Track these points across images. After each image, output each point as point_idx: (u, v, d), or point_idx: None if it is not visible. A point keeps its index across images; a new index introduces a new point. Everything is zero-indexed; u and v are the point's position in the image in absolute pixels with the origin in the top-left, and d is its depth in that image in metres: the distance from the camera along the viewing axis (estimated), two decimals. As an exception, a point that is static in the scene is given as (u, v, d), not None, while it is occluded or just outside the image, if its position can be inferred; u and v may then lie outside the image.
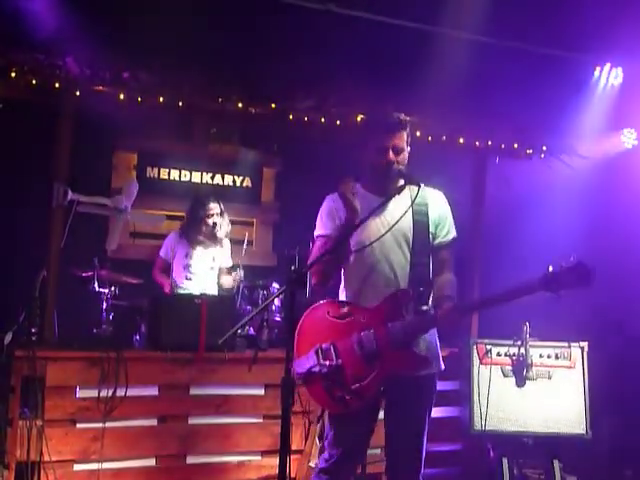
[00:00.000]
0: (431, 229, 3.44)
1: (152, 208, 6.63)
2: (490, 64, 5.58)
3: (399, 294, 3.31)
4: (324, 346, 3.29)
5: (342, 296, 3.49)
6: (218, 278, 6.04)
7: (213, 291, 5.90)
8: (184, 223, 6.13)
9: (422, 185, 3.42)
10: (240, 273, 5.88)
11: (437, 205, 3.50)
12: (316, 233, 3.50)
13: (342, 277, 3.52)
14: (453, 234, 3.51)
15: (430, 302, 3.38)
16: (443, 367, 3.45)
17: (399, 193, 3.39)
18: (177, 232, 6.10)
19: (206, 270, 5.95)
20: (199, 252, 5.95)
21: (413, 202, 3.40)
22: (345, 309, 3.36)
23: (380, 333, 3.25)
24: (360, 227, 3.28)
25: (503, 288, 3.18)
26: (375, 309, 3.32)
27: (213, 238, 5.96)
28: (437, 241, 3.46)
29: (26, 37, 4.75)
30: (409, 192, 3.43)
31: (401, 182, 3.39)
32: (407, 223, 3.40)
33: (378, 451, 4.81)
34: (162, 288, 5.86)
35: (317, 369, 3.23)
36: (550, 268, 3.08)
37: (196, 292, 5.62)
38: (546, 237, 6.08)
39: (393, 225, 3.34)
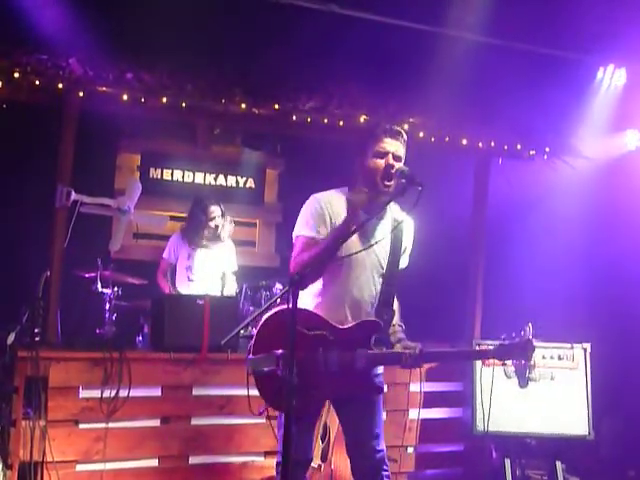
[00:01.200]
0: (400, 257, 3.52)
1: (155, 209, 6.64)
2: (493, 65, 5.57)
3: (370, 324, 3.38)
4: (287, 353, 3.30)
5: (307, 301, 3.44)
6: (222, 281, 6.03)
7: (216, 293, 5.90)
8: (185, 225, 6.13)
9: (397, 205, 3.48)
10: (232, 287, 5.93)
11: (409, 234, 3.57)
12: (300, 233, 3.43)
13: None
14: (407, 262, 3.62)
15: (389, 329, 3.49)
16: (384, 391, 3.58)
17: (384, 212, 3.43)
18: (179, 233, 6.11)
19: (209, 272, 5.94)
20: (201, 254, 5.95)
21: (392, 225, 3.45)
22: (314, 321, 3.36)
23: (346, 356, 3.31)
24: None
25: (463, 348, 3.79)
26: (345, 331, 3.35)
27: (216, 239, 5.97)
28: (400, 267, 3.55)
29: (29, 38, 4.76)
30: (391, 214, 3.48)
31: (387, 198, 3.37)
32: (385, 248, 3.46)
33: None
34: (163, 291, 5.87)
35: (278, 373, 3.19)
36: (505, 340, 3.56)
37: (200, 293, 5.62)
38: (550, 239, 6.08)
39: (372, 245, 3.37)
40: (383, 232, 3.44)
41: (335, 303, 3.40)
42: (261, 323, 3.40)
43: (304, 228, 3.42)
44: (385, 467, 3.48)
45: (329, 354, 3.30)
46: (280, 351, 3.22)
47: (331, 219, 3.39)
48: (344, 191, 3.50)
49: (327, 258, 3.27)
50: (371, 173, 3.38)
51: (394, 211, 3.50)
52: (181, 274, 5.96)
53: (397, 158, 3.38)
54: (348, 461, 4.54)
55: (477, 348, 3.66)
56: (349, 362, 3.30)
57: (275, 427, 3.49)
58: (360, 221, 3.31)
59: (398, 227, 3.46)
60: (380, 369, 3.51)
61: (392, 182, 3.35)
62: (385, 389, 3.59)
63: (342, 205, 3.42)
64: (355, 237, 3.32)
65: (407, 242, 3.55)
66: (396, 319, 3.54)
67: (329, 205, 3.41)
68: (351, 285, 3.39)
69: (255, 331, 3.41)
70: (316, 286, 3.45)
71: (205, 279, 5.91)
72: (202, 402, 4.84)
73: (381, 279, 3.45)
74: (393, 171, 3.34)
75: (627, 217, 6.28)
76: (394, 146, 3.39)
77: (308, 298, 3.45)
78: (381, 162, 3.36)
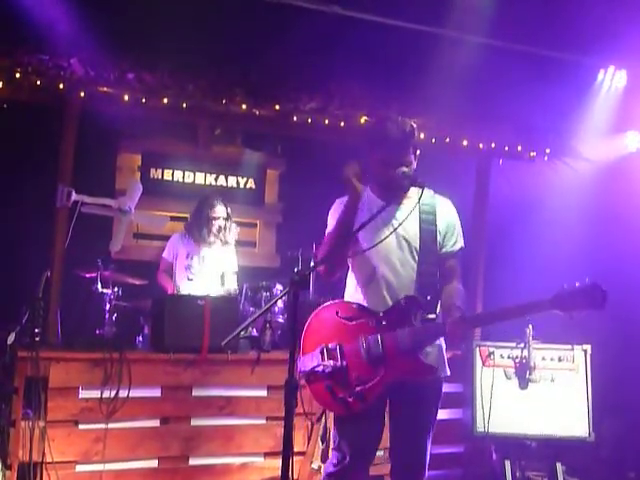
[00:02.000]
0: (439, 238, 3.41)
1: (156, 209, 6.64)
2: (494, 66, 5.57)
3: (408, 301, 3.28)
4: (330, 346, 3.28)
5: (347, 296, 3.48)
6: (222, 280, 6.04)
7: (215, 292, 5.90)
8: (189, 222, 6.13)
9: (429, 190, 3.42)
10: (232, 286, 5.93)
11: (445, 214, 3.47)
12: (327, 232, 3.49)
13: (348, 278, 3.51)
14: (460, 244, 3.49)
15: (437, 311, 3.35)
16: (449, 373, 3.44)
17: (404, 198, 3.40)
18: (180, 233, 6.11)
19: (209, 272, 5.94)
20: (203, 253, 5.94)
21: (419, 207, 3.38)
22: (354, 311, 3.34)
23: (388, 338, 3.23)
24: (365, 229, 3.24)
25: (514, 303, 3.15)
26: (384, 314, 3.29)
27: (221, 240, 5.95)
28: (444, 250, 3.43)
29: (31, 37, 4.77)
30: (416, 197, 3.38)
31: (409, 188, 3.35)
32: (413, 229, 3.38)
33: (381, 452, 4.83)
34: (165, 291, 5.87)
35: (321, 368, 3.22)
36: (565, 286, 3.06)
37: (198, 293, 5.62)
38: (551, 240, 6.08)
39: (396, 228, 3.32)
40: (404, 215, 3.36)
41: (373, 292, 3.35)
42: (305, 328, 3.38)
43: (328, 227, 3.49)
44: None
45: (372, 340, 3.24)
46: (322, 346, 3.26)
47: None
48: (366, 190, 3.48)
49: (341, 239, 3.29)
50: (381, 180, 3.39)
51: (425, 195, 3.39)
52: (180, 273, 5.95)
53: (405, 164, 3.33)
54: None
55: (529, 301, 3.11)
56: (392, 343, 3.22)
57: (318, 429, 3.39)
58: (376, 208, 3.29)
59: (427, 209, 3.39)
60: (433, 358, 3.34)
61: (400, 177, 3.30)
62: (448, 372, 3.43)
63: (365, 200, 3.42)
64: (377, 225, 3.30)
65: (444, 222, 3.43)
66: (454, 300, 3.32)
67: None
68: (385, 272, 3.34)
69: (302, 333, 3.38)
70: (351, 282, 3.46)
71: (204, 279, 5.91)
72: (202, 403, 4.84)
73: (417, 261, 3.36)
74: (397, 175, 3.30)
75: (628, 218, 6.28)
76: (400, 155, 3.34)
77: (348, 293, 3.48)
78: (385, 172, 3.33)
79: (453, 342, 3.26)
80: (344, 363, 3.24)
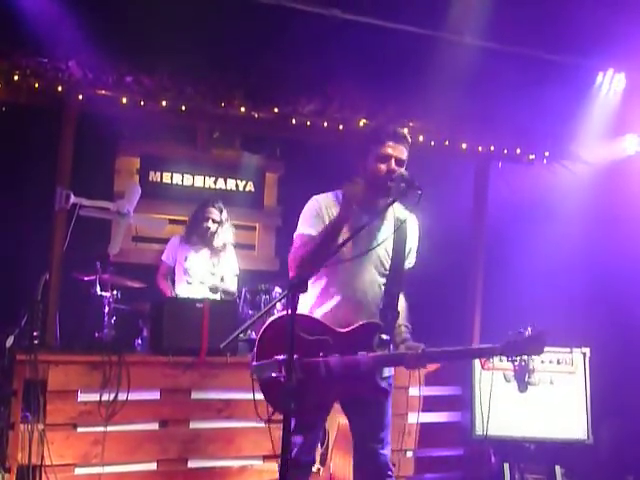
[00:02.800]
0: (405, 257, 3.48)
1: (154, 212, 6.63)
2: (493, 69, 5.58)
3: (371, 326, 3.34)
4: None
5: (307, 307, 3.43)
6: (221, 284, 6.03)
7: (215, 296, 5.90)
8: (187, 226, 6.13)
9: (400, 205, 3.45)
10: (232, 287, 5.93)
11: (413, 233, 3.53)
12: (299, 231, 3.43)
13: (311, 288, 3.40)
14: (414, 261, 3.57)
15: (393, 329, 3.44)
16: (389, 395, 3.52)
17: (385, 214, 3.41)
18: (179, 236, 6.11)
19: (206, 275, 5.94)
20: (194, 256, 5.94)
21: (394, 227, 3.41)
22: (316, 326, 3.33)
23: (347, 360, 3.27)
24: (342, 241, 3.24)
25: (466, 346, 3.48)
26: (347, 334, 3.32)
27: (208, 244, 5.93)
28: (406, 268, 3.51)
29: (29, 40, 4.77)
30: (393, 213, 3.44)
31: (389, 200, 3.34)
32: (387, 249, 3.42)
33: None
34: (164, 295, 5.87)
35: (281, 379, 3.14)
36: (511, 335, 3.27)
37: (197, 296, 5.62)
38: (549, 243, 6.08)
39: (374, 247, 3.34)
40: (386, 233, 3.41)
41: (338, 306, 3.37)
42: (263, 329, 3.38)
43: (302, 226, 3.43)
44: (389, 472, 3.46)
45: (331, 358, 3.28)
46: (283, 356, 3.22)
47: (328, 218, 3.37)
48: (338, 192, 3.47)
49: (323, 253, 3.23)
50: (372, 176, 3.36)
51: (397, 210, 3.47)
52: (179, 276, 5.95)
53: (400, 162, 3.35)
54: (346, 465, 4.55)
55: (480, 346, 3.46)
56: (351, 365, 3.27)
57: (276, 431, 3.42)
58: (359, 220, 3.29)
59: (401, 227, 3.43)
60: (388, 371, 3.47)
61: (393, 184, 3.30)
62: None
63: (335, 206, 3.40)
64: (356, 239, 3.28)
65: (412, 242, 3.51)
66: (402, 319, 3.48)
67: (327, 208, 3.40)
68: (354, 287, 3.36)
69: (257, 337, 3.39)
70: (317, 289, 3.43)
71: (203, 282, 5.91)
72: (201, 406, 4.84)
73: (385, 280, 3.42)
74: (394, 176, 3.30)
75: (626, 221, 6.28)
76: (397, 150, 3.35)
77: (310, 301, 3.43)
78: (383, 167, 3.33)
79: (410, 369, 3.35)
80: (301, 377, 3.18)
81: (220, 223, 5.97)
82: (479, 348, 3.34)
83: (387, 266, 3.42)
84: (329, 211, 3.40)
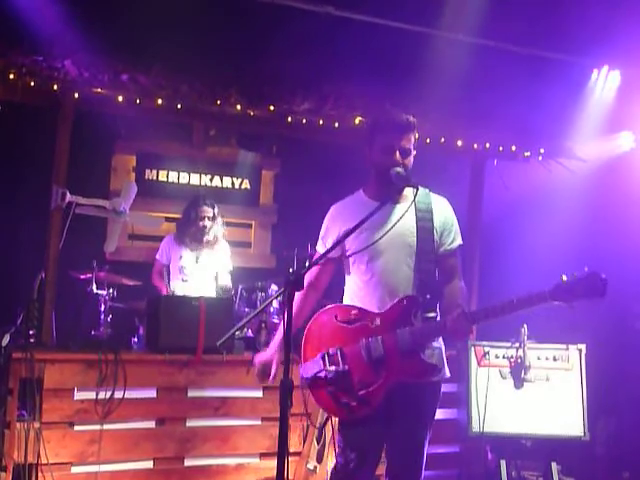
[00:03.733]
0: (436, 236, 3.36)
1: (151, 210, 6.63)
2: (488, 67, 5.59)
3: (407, 300, 3.24)
4: (331, 351, 3.23)
5: (346, 299, 3.43)
6: (216, 281, 6.04)
7: (210, 293, 5.90)
8: (179, 224, 6.14)
9: (424, 189, 3.37)
10: (228, 283, 5.92)
11: (442, 211, 3.42)
12: (317, 246, 3.50)
13: (346, 281, 3.46)
14: (459, 241, 3.44)
15: (438, 310, 3.31)
16: (449, 374, 3.40)
17: (400, 197, 3.34)
18: (173, 235, 6.12)
19: (201, 272, 5.94)
20: (191, 254, 5.94)
21: (415, 206, 3.32)
22: (353, 314, 3.28)
23: (388, 339, 3.18)
24: (359, 230, 3.19)
25: (513, 296, 3.10)
26: (384, 315, 3.24)
27: (202, 241, 5.94)
28: (443, 248, 3.37)
29: (25, 39, 4.77)
30: (411, 196, 3.34)
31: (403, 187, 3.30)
32: (409, 228, 3.33)
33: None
34: (160, 292, 5.87)
35: (323, 374, 3.18)
36: (563, 277, 3.00)
37: (193, 294, 5.62)
38: (545, 240, 6.09)
39: (392, 227, 3.26)
40: (402, 213, 3.30)
41: (372, 293, 3.30)
42: (306, 330, 3.36)
43: (319, 243, 3.49)
44: None
45: (372, 342, 3.19)
46: (323, 352, 3.22)
47: (342, 226, 3.34)
48: (357, 193, 3.46)
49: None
50: (382, 167, 3.29)
51: (420, 194, 3.36)
52: (175, 275, 5.95)
53: (405, 152, 3.29)
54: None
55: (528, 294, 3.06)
56: (393, 344, 3.17)
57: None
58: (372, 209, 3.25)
59: (424, 207, 3.34)
60: (435, 358, 3.30)
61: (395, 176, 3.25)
62: (448, 374, 3.37)
63: (355, 207, 3.37)
64: (373, 225, 3.24)
65: (440, 220, 3.38)
66: (456, 299, 3.29)
67: (339, 214, 3.40)
68: (383, 271, 3.29)
69: (302, 341, 3.36)
70: (349, 285, 3.41)
71: (199, 280, 5.91)
72: (197, 404, 4.84)
73: (414, 259, 3.31)
74: (390, 173, 3.24)
75: (621, 218, 6.29)
76: (401, 140, 3.28)
77: (347, 295, 3.42)
78: (386, 158, 3.27)
79: (455, 339, 3.18)
80: (346, 367, 3.19)
81: (214, 218, 5.98)
82: (527, 297, 3.04)
83: (413, 245, 3.32)
84: (342, 216, 3.38)
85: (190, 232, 5.93)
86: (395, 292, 3.27)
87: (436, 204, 3.42)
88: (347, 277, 3.45)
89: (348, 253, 3.33)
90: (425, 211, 3.36)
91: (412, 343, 3.17)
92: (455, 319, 3.09)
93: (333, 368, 3.19)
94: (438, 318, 3.28)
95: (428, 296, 3.26)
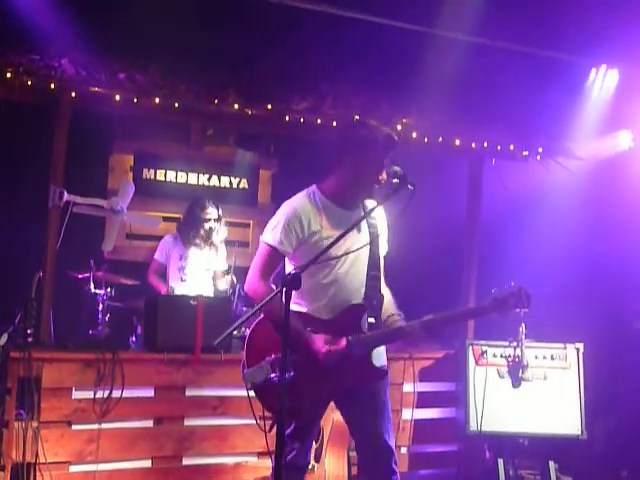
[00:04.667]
0: (380, 244, 3.50)
1: (148, 210, 6.63)
2: (486, 66, 5.59)
3: (357, 308, 3.34)
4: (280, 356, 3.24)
5: (297, 304, 3.38)
6: (213, 280, 6.05)
7: (208, 293, 5.90)
8: (181, 224, 6.13)
9: (372, 202, 3.46)
10: (232, 278, 5.90)
11: (383, 220, 3.55)
12: (267, 240, 3.42)
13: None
14: (387, 249, 3.60)
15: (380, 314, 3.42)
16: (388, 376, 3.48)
17: (372, 208, 3.40)
18: (172, 234, 6.12)
19: (201, 272, 5.95)
20: (193, 254, 5.95)
21: (368, 218, 3.43)
22: (300, 319, 3.30)
23: (338, 346, 3.25)
24: (322, 235, 3.29)
25: (461, 309, 3.45)
26: (332, 322, 3.31)
27: (208, 242, 5.95)
28: (382, 255, 3.54)
29: (22, 38, 4.76)
30: (361, 205, 3.46)
31: (386, 194, 3.34)
32: (365, 237, 3.43)
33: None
34: (156, 291, 5.86)
35: (275, 380, 3.15)
36: (494, 292, 3.31)
37: (191, 294, 5.62)
38: (543, 239, 6.10)
39: (362, 246, 3.33)
40: (363, 227, 3.43)
41: (322, 298, 3.36)
42: (248, 336, 3.41)
43: (270, 234, 3.42)
44: (395, 468, 3.40)
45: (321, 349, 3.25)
46: (272, 356, 3.20)
47: (307, 227, 3.36)
48: (313, 190, 3.50)
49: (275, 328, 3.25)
50: (365, 179, 3.35)
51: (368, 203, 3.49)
52: (173, 275, 5.96)
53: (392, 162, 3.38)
54: (341, 461, 4.56)
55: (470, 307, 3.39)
56: (343, 351, 3.24)
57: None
58: (339, 215, 3.34)
59: (373, 216, 3.44)
60: (383, 359, 3.43)
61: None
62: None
63: (315, 208, 3.41)
64: (335, 231, 3.28)
65: (382, 229, 3.52)
66: (393, 309, 3.48)
67: (306, 214, 3.39)
68: (340, 277, 3.36)
69: (244, 345, 3.40)
70: (304, 281, 3.31)
71: (197, 279, 5.91)
72: (195, 403, 4.84)
73: (367, 267, 3.43)
74: (387, 171, 3.31)
75: (619, 217, 6.29)
76: (389, 157, 3.37)
77: (302, 301, 3.40)
78: (382, 175, 3.33)
79: (407, 344, 3.37)
80: (295, 374, 3.18)
81: (219, 219, 5.97)
82: (470, 309, 3.47)
83: (366, 256, 3.43)
84: (307, 219, 3.37)
85: (197, 234, 5.90)
86: (348, 299, 3.37)
87: (378, 213, 3.51)
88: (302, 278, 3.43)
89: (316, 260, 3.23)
90: (373, 219, 3.48)
91: (362, 350, 3.27)
92: (418, 329, 3.27)
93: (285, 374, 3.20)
94: (378, 323, 3.37)
95: (374, 302, 3.39)
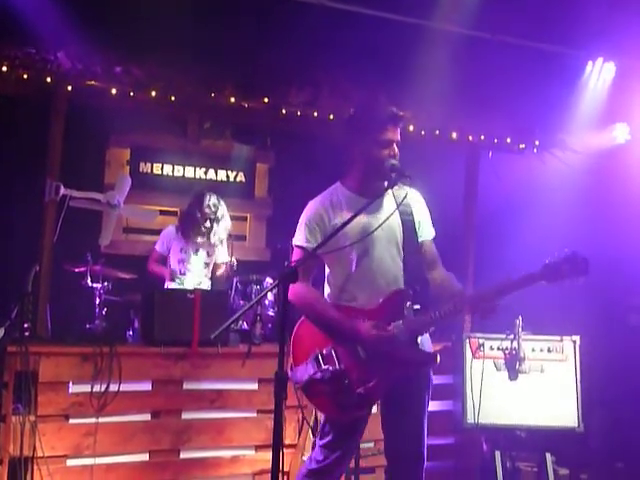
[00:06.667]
0: (417, 229, 3.43)
1: (145, 203, 6.62)
2: (483, 59, 5.59)
3: (398, 294, 3.27)
4: (324, 351, 3.21)
5: (328, 294, 3.39)
6: (212, 272, 6.04)
7: (207, 286, 5.90)
8: (182, 217, 6.10)
9: (404, 185, 3.41)
10: (233, 261, 5.87)
11: (419, 205, 3.49)
12: (295, 242, 3.40)
13: (328, 278, 3.42)
14: (433, 231, 3.53)
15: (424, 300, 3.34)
16: (439, 360, 3.39)
17: (384, 194, 3.36)
18: (174, 226, 6.09)
19: (201, 266, 5.94)
20: (195, 247, 5.93)
21: (399, 204, 3.37)
22: (342, 311, 3.27)
23: (387, 331, 3.17)
24: (349, 226, 3.19)
25: (507, 278, 3.21)
26: (375, 310, 3.25)
27: (209, 236, 5.91)
28: (422, 239, 3.45)
29: (18, 31, 4.74)
30: (392, 193, 3.40)
31: (386, 183, 3.33)
32: (395, 222, 3.37)
33: (372, 444, 4.84)
34: (158, 278, 5.84)
35: (319, 376, 3.13)
36: (547, 260, 3.13)
37: (190, 287, 5.62)
38: (540, 231, 6.10)
39: (382, 223, 3.28)
40: (387, 210, 3.36)
41: (361, 289, 3.31)
42: (292, 338, 3.34)
43: (298, 238, 3.39)
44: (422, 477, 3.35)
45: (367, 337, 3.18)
46: (315, 352, 3.17)
47: (329, 221, 3.33)
48: (336, 186, 3.46)
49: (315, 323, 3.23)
50: (376, 162, 3.29)
51: (395, 189, 3.41)
52: (173, 266, 5.94)
53: (398, 144, 3.33)
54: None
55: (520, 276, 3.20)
56: (389, 338, 3.16)
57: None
58: (359, 204, 3.26)
59: (404, 202, 3.38)
60: (428, 345, 3.35)
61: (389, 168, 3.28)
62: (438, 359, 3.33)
63: (338, 201, 3.37)
64: (361, 220, 3.25)
65: (419, 214, 3.45)
66: (453, 282, 3.36)
67: (327, 209, 3.36)
68: (374, 265, 3.31)
69: (291, 345, 3.33)
70: (334, 282, 3.38)
71: (197, 272, 5.90)
72: (193, 396, 4.84)
73: (402, 253, 3.36)
74: (385, 164, 3.27)
75: (615, 210, 6.30)
76: (396, 134, 3.33)
77: (331, 289, 3.39)
78: (386, 152, 3.28)
79: (483, 315, 3.19)
80: (342, 366, 3.16)
81: (219, 218, 5.92)
82: (520, 278, 3.15)
83: (400, 239, 3.36)
84: (331, 211, 3.35)
85: (195, 227, 5.86)
86: (385, 286, 3.29)
87: (412, 196, 3.46)
88: (330, 272, 3.41)
89: (336, 248, 3.25)
90: (405, 205, 3.40)
91: (407, 335, 3.18)
92: (474, 298, 3.16)
93: (329, 368, 3.15)
94: (424, 309, 3.27)
95: (417, 288, 3.30)
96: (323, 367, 3.17)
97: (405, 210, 3.39)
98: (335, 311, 3.25)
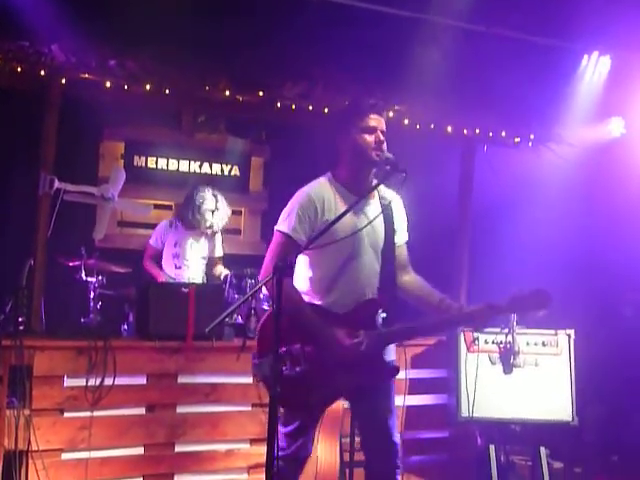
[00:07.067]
0: (395, 233, 3.45)
1: (139, 197, 6.61)
2: (478, 52, 5.58)
3: (372, 302, 3.30)
4: (293, 350, 3.21)
5: (304, 288, 3.36)
6: (208, 268, 6.03)
7: (202, 280, 5.89)
8: (180, 209, 6.09)
9: (389, 188, 3.42)
10: (228, 274, 5.89)
11: (400, 211, 3.50)
12: (280, 228, 3.34)
13: (303, 273, 3.39)
14: (407, 236, 3.55)
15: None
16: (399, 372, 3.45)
17: (373, 192, 3.37)
18: (168, 221, 6.08)
19: (196, 259, 5.93)
20: (190, 241, 5.92)
21: (384, 209, 3.37)
22: (315, 312, 3.27)
23: (359, 341, 3.21)
24: (338, 223, 3.16)
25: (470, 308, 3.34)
26: (347, 315, 3.27)
27: (204, 229, 5.91)
28: (399, 244, 3.47)
29: (12, 24, 4.72)
30: (378, 195, 3.41)
31: (374, 183, 3.33)
32: (379, 227, 3.38)
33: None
34: (153, 278, 5.84)
35: (287, 372, 3.14)
36: (515, 292, 3.26)
37: (185, 281, 5.61)
38: (536, 227, 6.11)
39: (368, 224, 3.28)
40: (374, 211, 3.36)
41: (336, 291, 3.30)
42: (260, 327, 3.36)
43: (283, 224, 3.34)
44: (399, 463, 3.41)
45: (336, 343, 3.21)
46: (283, 348, 3.14)
47: (321, 214, 3.30)
48: (328, 177, 3.44)
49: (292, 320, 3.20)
50: (361, 149, 3.29)
51: (381, 191, 3.42)
52: (168, 261, 5.94)
53: (383, 133, 3.31)
54: (333, 450, 4.56)
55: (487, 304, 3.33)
56: (357, 346, 3.20)
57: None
58: (347, 200, 3.27)
59: (388, 206, 3.38)
60: (392, 355, 3.41)
61: (380, 156, 3.27)
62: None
63: (330, 195, 3.35)
64: (349, 218, 3.23)
65: (399, 219, 3.47)
66: (432, 289, 3.46)
67: (320, 201, 3.32)
68: (355, 266, 3.31)
69: (257, 334, 3.35)
70: (308, 278, 3.37)
71: (192, 267, 5.90)
72: (187, 390, 4.83)
73: (380, 259, 3.37)
74: (384, 147, 3.27)
75: (610, 204, 6.31)
76: (380, 122, 3.32)
77: (306, 287, 3.37)
78: (370, 138, 3.28)
79: (479, 326, 3.30)
80: (307, 367, 3.18)
81: (217, 209, 5.92)
82: (482, 308, 3.26)
83: (381, 244, 3.37)
84: (322, 204, 3.31)
85: (194, 220, 5.85)
86: (361, 290, 3.31)
87: (395, 202, 3.46)
88: (307, 268, 3.38)
89: (323, 244, 3.19)
90: (387, 208, 3.40)
91: (377, 347, 3.24)
92: (482, 311, 3.25)
93: (296, 367, 3.17)
94: (388, 317, 3.32)
95: (388, 296, 3.32)
96: (290, 365, 3.17)
97: (388, 214, 3.40)
98: (313, 313, 3.25)
